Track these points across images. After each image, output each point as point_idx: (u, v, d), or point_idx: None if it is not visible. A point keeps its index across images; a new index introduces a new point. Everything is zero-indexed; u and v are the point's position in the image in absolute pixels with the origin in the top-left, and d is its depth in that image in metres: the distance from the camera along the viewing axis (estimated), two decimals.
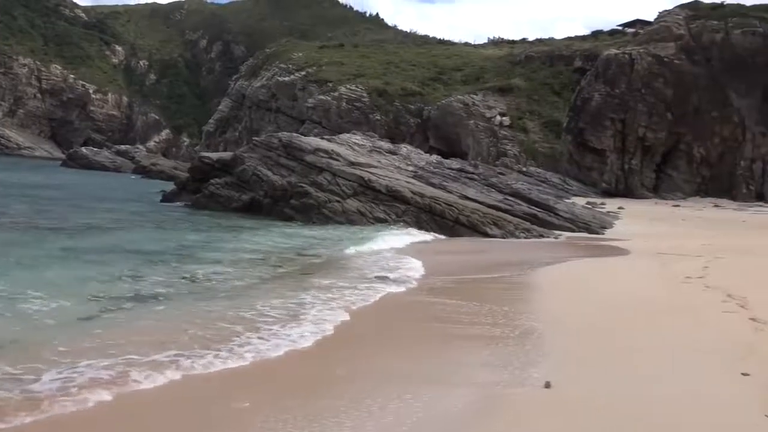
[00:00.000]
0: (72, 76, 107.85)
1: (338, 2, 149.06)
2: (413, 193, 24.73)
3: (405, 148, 37.92)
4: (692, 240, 21.22)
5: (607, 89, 49.42)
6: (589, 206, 33.97)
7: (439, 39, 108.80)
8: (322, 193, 24.96)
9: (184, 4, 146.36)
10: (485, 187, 30.27)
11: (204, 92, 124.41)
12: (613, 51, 52.46)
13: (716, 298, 9.98)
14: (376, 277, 12.07)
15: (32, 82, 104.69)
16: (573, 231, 25.19)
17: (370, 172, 26.15)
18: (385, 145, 36.77)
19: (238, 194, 26.83)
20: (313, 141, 30.26)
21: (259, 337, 7.48)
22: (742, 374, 6.10)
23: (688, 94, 48.55)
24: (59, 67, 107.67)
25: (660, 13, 56.20)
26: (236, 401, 5.52)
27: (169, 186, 33.39)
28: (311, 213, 24.31)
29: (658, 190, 48.03)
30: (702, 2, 56.03)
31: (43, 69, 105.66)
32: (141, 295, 9.38)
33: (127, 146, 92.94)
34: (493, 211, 24.34)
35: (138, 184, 52.14)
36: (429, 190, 25.87)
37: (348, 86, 66.50)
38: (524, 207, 26.76)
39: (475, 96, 60.30)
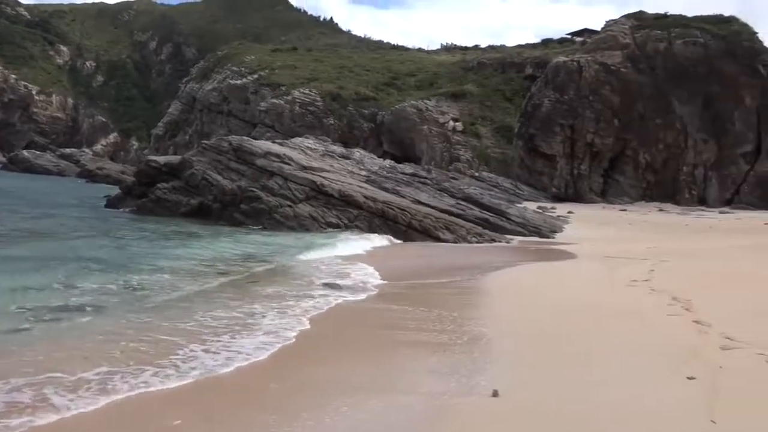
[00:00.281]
0: (14, 76, 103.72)
1: (292, 6, 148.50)
2: (366, 197, 24.54)
3: (358, 153, 37.76)
4: (638, 243, 21.68)
5: (557, 96, 50.41)
6: (540, 211, 34.47)
7: (393, 44, 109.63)
8: (274, 197, 24.54)
9: (132, 5, 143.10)
10: (438, 192, 30.36)
11: (154, 95, 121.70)
12: (562, 58, 53.60)
13: (662, 301, 10.08)
14: (327, 284, 11.77)
15: None
16: (524, 235, 25.44)
17: (323, 177, 25.85)
18: (338, 149, 36.53)
19: (187, 199, 26.14)
20: (264, 145, 29.76)
21: (204, 350, 7.04)
22: (688, 378, 6.09)
23: (634, 102, 49.95)
24: (0, 67, 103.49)
25: (607, 22, 57.88)
26: (169, 419, 5.18)
27: (116, 191, 32.34)
28: (262, 218, 23.87)
29: (605, 194, 49.19)
30: (646, 12, 57.86)
31: None
32: (71, 306, 8.76)
33: (72, 149, 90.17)
34: (446, 216, 24.36)
35: (82, 188, 50.47)
36: (382, 195, 25.73)
37: (301, 90, 66.04)
38: (476, 211, 26.90)
39: (428, 101, 60.69)
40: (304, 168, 26.45)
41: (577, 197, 47.48)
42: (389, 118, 61.06)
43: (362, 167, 33.21)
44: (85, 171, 68.89)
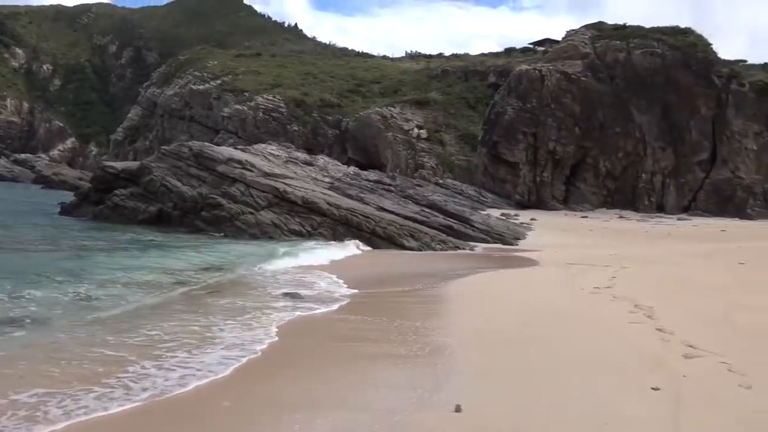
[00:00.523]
0: None
1: (256, 12, 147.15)
2: (329, 204, 24.27)
3: (322, 160, 37.48)
4: (600, 250, 21.92)
5: (520, 104, 50.93)
6: (504, 218, 34.68)
7: (358, 51, 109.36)
8: (235, 204, 24.08)
9: (91, 7, 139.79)
10: (402, 199, 30.26)
11: (113, 99, 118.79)
12: (525, 66, 54.21)
13: (624, 309, 10.09)
14: (289, 294, 11.45)
15: None
16: (488, 242, 25.49)
17: (286, 183, 25.49)
18: (302, 156, 36.19)
19: (145, 206, 25.46)
20: (226, 151, 29.26)
21: (157, 366, 6.62)
22: (653, 389, 6.02)
23: (594, 110, 50.81)
24: None
25: (568, 32, 58.85)
26: None
27: (72, 197, 31.30)
28: (223, 225, 23.39)
29: (567, 201, 49.83)
30: (606, 23, 59.02)
31: None
32: (12, 318, 8.27)
33: (28, 155, 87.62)
34: (410, 223, 24.23)
35: (37, 195, 48.91)
36: (345, 202, 25.49)
37: (265, 96, 65.38)
38: (440, 219, 26.87)
39: (393, 108, 60.70)
40: (267, 174, 26.05)
41: (540, 204, 47.99)
42: (354, 125, 60.89)
43: (326, 174, 32.94)
44: (41, 177, 66.98)
